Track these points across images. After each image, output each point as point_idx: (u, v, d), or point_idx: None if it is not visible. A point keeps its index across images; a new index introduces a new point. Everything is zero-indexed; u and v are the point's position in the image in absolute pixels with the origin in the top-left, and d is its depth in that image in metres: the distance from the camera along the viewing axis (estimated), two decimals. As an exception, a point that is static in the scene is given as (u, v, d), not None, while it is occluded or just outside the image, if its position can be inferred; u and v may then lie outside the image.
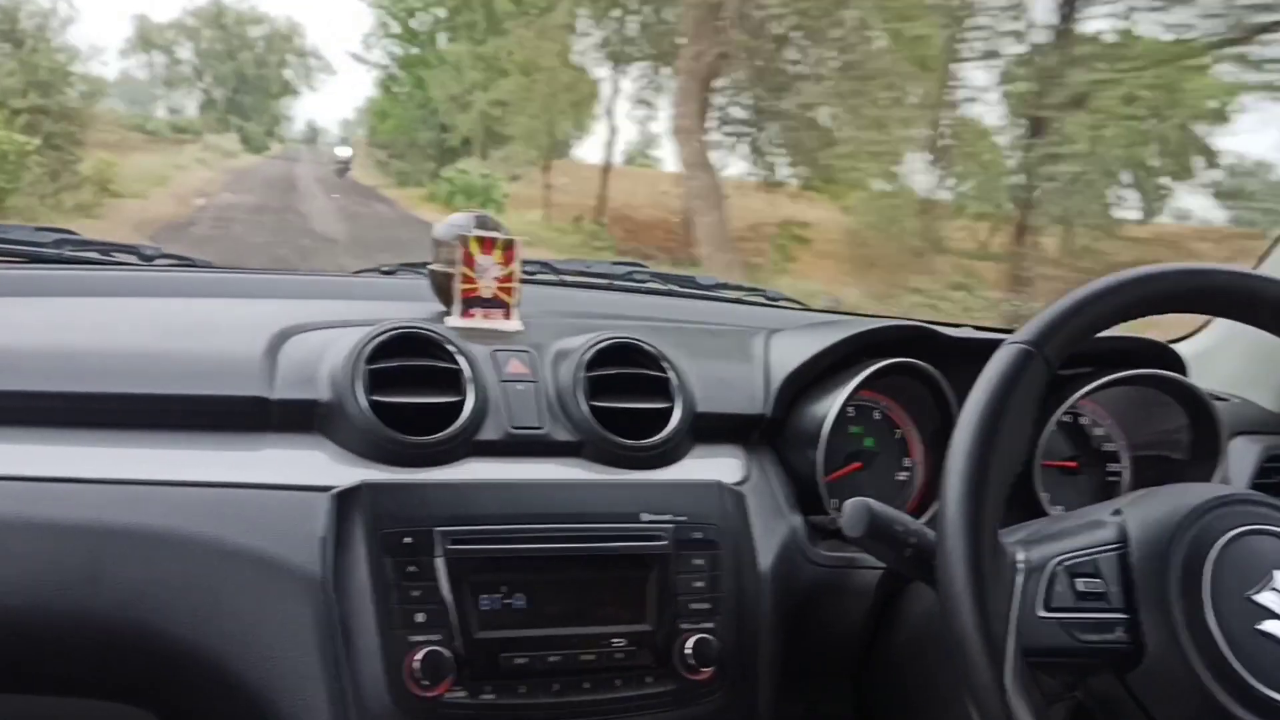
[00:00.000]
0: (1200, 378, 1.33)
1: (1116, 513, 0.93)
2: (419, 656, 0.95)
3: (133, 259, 1.38)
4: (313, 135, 57.24)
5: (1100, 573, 0.88)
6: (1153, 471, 1.33)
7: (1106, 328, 0.91)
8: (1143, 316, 0.93)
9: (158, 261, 1.39)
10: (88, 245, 1.37)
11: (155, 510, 0.97)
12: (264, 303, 1.29)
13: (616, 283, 1.59)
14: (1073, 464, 1.34)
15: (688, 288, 1.62)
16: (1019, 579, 0.87)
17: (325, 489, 1.00)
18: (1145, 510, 0.92)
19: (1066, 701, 0.92)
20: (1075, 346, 0.90)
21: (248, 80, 42.94)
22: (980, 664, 0.82)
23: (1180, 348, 1.39)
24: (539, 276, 1.54)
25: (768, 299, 1.65)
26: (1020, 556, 0.88)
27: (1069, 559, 0.89)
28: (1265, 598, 0.86)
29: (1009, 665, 0.82)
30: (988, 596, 0.83)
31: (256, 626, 0.96)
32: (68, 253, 1.34)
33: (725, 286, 1.65)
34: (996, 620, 0.83)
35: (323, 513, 0.99)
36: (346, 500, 0.99)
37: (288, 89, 45.43)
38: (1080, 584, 0.88)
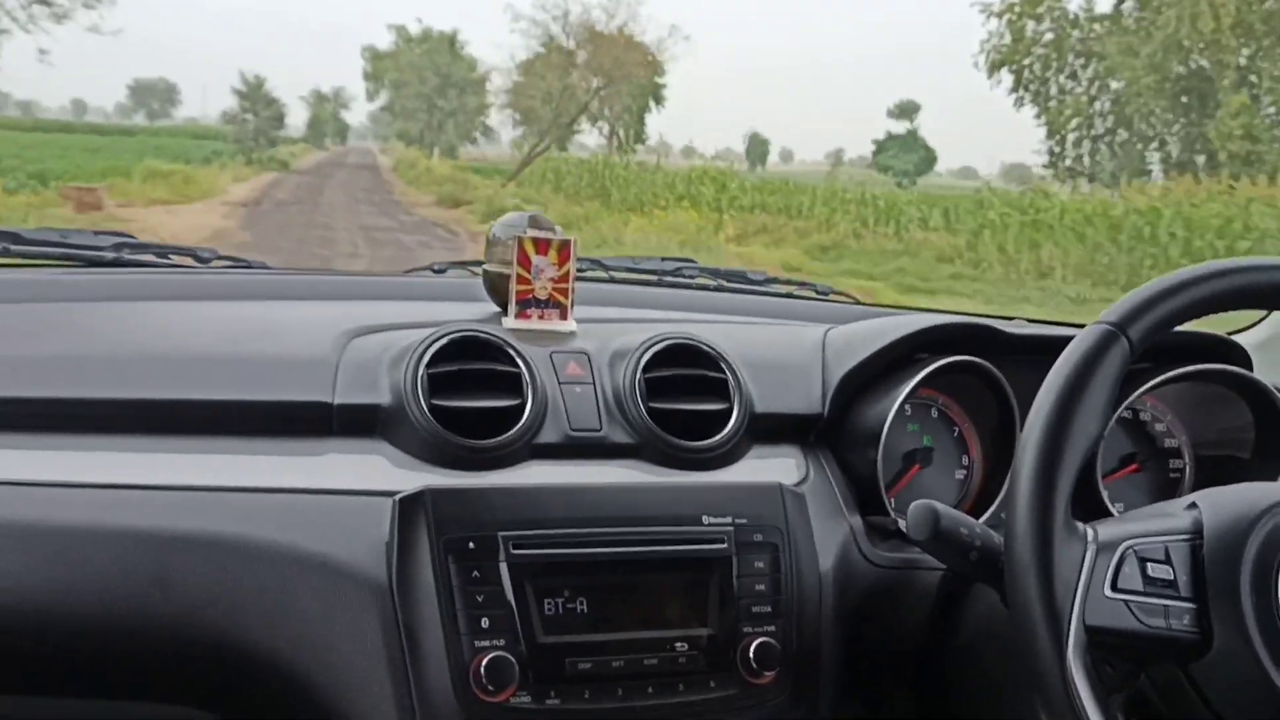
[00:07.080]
0: (1264, 371, 1.30)
1: (1192, 505, 0.92)
2: (484, 661, 0.95)
3: (189, 261, 1.39)
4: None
5: (1171, 560, 0.87)
6: (1215, 469, 1.31)
7: (1196, 316, 0.90)
8: (1235, 309, 0.91)
9: (214, 264, 1.40)
10: (145, 248, 1.38)
11: (221, 516, 0.98)
12: (321, 305, 1.29)
13: (666, 279, 1.59)
14: (1134, 467, 1.32)
15: (737, 282, 1.61)
16: (1088, 556, 0.86)
17: (389, 494, 1.00)
18: (1221, 504, 0.91)
19: (1126, 691, 0.91)
20: (1161, 333, 0.89)
21: None
22: (1043, 634, 0.81)
23: (1241, 339, 1.37)
24: (589, 274, 1.54)
25: (818, 293, 1.64)
26: (1091, 534, 0.87)
27: (1140, 543, 0.88)
28: None
29: (1072, 638, 0.81)
30: (1055, 569, 0.83)
31: (324, 631, 0.96)
32: (126, 256, 1.35)
33: (775, 281, 1.63)
34: (1062, 592, 0.83)
35: (386, 518, 0.99)
36: (410, 505, 0.99)
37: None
38: (1150, 568, 0.87)
